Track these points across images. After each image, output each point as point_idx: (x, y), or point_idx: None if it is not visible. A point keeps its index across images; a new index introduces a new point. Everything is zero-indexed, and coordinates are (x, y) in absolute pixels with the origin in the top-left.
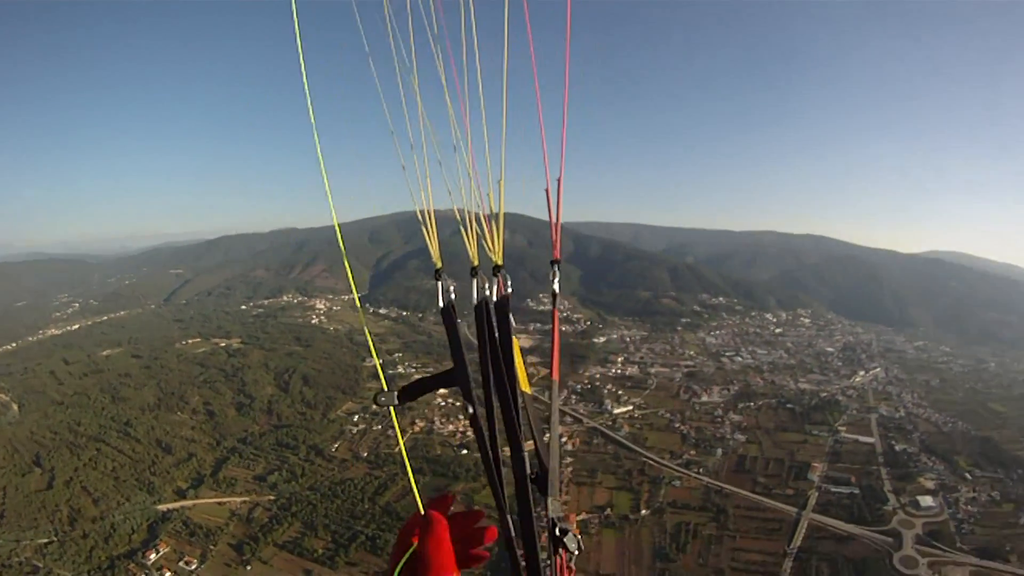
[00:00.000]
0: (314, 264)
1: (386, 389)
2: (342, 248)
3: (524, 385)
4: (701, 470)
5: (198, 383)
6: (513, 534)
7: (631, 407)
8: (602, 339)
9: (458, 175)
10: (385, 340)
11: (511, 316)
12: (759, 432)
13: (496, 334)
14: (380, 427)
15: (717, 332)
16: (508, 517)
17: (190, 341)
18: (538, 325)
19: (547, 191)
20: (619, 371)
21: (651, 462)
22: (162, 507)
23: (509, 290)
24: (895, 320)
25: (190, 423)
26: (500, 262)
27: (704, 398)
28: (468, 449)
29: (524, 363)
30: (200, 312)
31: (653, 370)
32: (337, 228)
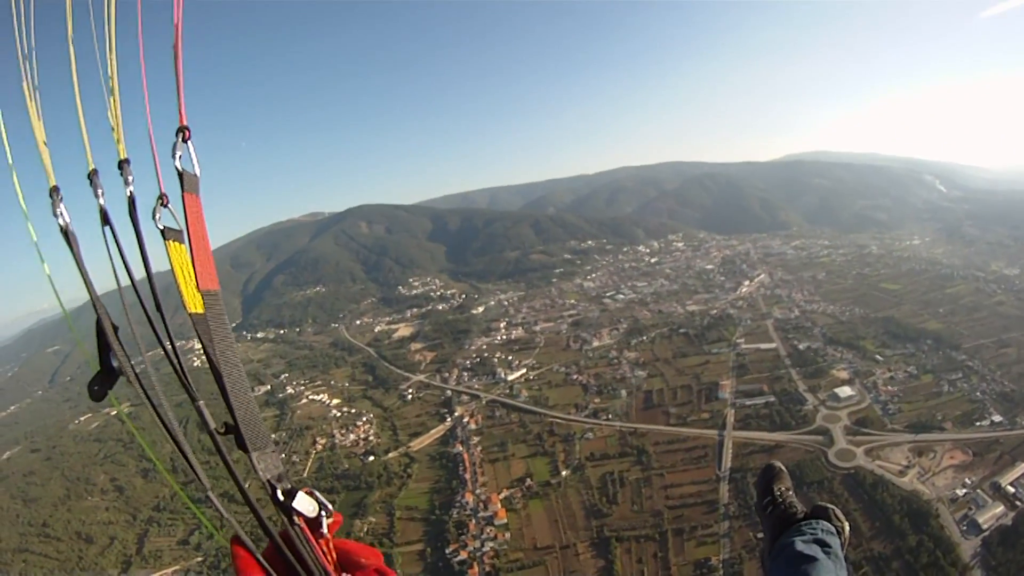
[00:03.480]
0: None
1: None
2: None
3: (191, 302)
4: (610, 416)
5: (100, 461)
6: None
7: (524, 370)
8: (480, 309)
9: None
10: (269, 364)
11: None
12: (659, 364)
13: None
14: (285, 455)
15: (593, 275)
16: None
17: (83, 419)
18: (414, 310)
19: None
20: (504, 337)
21: (558, 420)
22: None
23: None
24: (767, 226)
25: (103, 505)
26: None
27: (595, 343)
28: (375, 455)
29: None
30: (85, 385)
31: (538, 328)
32: None
